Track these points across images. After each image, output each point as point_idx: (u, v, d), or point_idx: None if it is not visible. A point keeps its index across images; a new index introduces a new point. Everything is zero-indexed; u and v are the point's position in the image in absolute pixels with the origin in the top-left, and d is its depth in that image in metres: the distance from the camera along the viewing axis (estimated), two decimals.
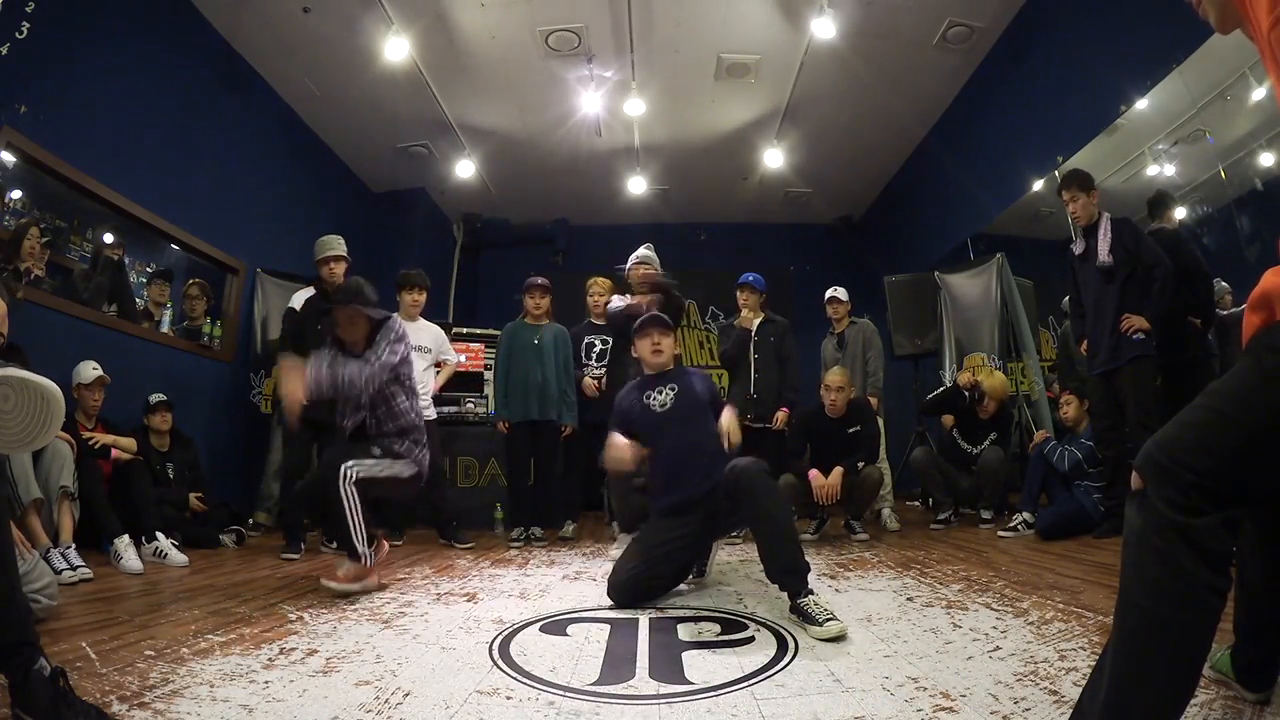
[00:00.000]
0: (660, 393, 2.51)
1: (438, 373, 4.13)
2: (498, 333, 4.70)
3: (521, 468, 4.06)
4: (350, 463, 2.40)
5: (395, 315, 2.75)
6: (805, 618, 1.82)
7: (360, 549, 2.39)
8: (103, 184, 3.71)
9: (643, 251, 3.84)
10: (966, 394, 4.31)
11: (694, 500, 2.31)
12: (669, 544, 2.28)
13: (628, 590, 2.22)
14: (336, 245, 3.73)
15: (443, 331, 4.21)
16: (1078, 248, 3.44)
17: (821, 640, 1.72)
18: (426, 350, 3.96)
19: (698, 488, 2.30)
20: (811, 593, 1.89)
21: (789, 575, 1.94)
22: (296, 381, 2.38)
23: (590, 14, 4.59)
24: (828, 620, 1.76)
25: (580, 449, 4.03)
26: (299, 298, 3.80)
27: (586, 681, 1.46)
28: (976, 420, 4.32)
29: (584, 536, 4.08)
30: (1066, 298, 3.84)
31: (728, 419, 2.38)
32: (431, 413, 3.99)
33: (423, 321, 4.04)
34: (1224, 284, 3.76)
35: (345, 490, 2.35)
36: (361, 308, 2.54)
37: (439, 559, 3.31)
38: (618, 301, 3.86)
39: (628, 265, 3.84)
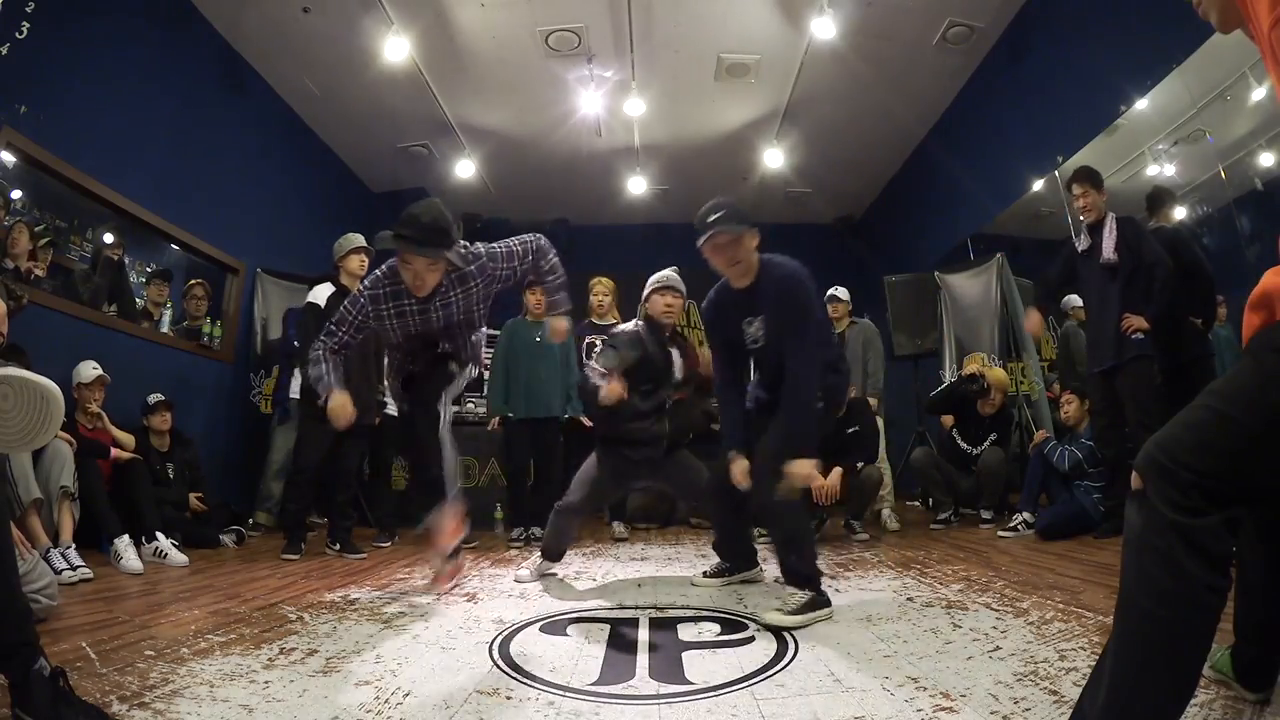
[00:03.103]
0: (749, 322, 2.22)
1: None
2: (498, 332, 4.70)
3: (521, 467, 4.06)
4: (441, 405, 2.35)
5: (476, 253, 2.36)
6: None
7: (452, 491, 2.37)
8: (103, 184, 3.71)
9: (668, 274, 2.90)
10: (976, 384, 4.28)
11: None
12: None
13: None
14: (358, 238, 3.68)
15: None
16: (1081, 244, 3.43)
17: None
18: None
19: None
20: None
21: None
22: (346, 407, 2.27)
23: (590, 14, 4.59)
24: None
25: (581, 449, 4.03)
26: (320, 293, 3.62)
27: (586, 681, 1.46)
28: (977, 420, 4.31)
29: (584, 536, 4.07)
30: (1065, 297, 3.84)
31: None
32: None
33: None
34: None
35: (445, 436, 2.32)
36: (445, 255, 2.12)
37: None
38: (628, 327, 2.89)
39: (645, 292, 2.91)
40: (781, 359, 2.14)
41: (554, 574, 2.79)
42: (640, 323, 2.83)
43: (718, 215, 2.04)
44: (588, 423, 3.65)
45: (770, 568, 2.56)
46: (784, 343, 2.12)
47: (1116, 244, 3.24)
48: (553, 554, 2.76)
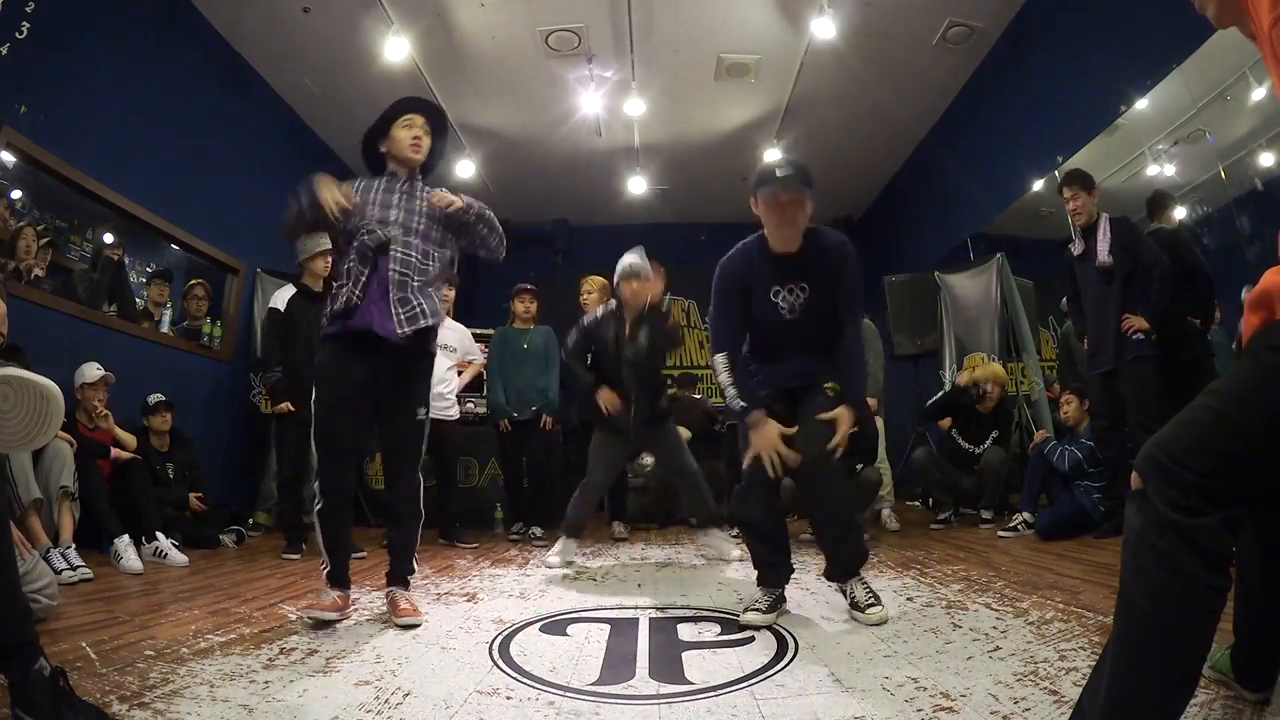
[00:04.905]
0: (791, 291, 1.99)
1: (460, 372, 4.13)
2: (490, 332, 4.72)
3: (515, 469, 4.13)
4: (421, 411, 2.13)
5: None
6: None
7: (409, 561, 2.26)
8: (103, 184, 3.70)
9: (631, 260, 3.14)
10: (974, 390, 4.28)
11: None
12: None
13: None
14: (324, 239, 3.51)
15: (468, 331, 4.23)
16: (1076, 248, 3.43)
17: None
18: (452, 349, 3.95)
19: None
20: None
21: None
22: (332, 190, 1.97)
23: (590, 14, 4.59)
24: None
25: (579, 448, 4.04)
26: (280, 297, 3.57)
27: (586, 681, 1.46)
28: (977, 420, 4.31)
29: (584, 536, 4.07)
30: (1065, 298, 3.84)
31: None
32: (455, 412, 4.00)
33: (448, 320, 3.71)
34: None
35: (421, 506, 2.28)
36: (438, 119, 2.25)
37: (439, 559, 3.31)
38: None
39: (616, 277, 3.20)
40: (816, 332, 2.03)
41: (575, 560, 3.13)
42: (607, 308, 3.26)
43: (789, 172, 1.97)
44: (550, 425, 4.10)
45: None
46: (841, 310, 2.03)
47: (1111, 246, 3.24)
48: (574, 530, 3.13)
